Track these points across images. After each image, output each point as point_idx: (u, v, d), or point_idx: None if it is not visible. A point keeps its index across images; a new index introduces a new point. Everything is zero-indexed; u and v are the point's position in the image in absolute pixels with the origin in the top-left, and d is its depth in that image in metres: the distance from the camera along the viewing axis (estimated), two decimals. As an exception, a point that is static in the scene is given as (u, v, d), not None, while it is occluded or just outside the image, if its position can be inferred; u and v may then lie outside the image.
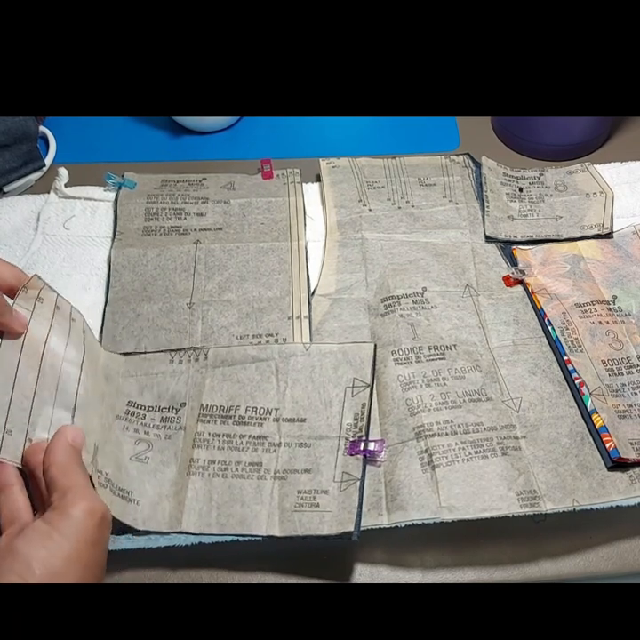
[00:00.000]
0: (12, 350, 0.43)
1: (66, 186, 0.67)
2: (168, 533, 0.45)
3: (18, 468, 0.40)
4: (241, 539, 0.46)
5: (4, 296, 0.43)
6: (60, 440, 0.40)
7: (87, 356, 0.46)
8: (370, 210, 0.65)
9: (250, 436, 0.50)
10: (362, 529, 0.45)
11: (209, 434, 0.49)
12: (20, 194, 0.69)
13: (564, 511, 0.46)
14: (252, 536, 0.45)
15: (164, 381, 0.52)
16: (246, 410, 0.51)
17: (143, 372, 0.52)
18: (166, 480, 0.47)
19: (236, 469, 0.48)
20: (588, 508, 0.46)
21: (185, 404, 0.51)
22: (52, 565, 0.32)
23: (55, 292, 0.47)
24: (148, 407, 0.51)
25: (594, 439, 0.50)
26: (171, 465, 0.48)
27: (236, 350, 0.54)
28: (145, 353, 0.54)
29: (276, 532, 0.45)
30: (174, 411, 0.50)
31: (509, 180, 0.68)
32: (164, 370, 0.52)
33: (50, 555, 0.33)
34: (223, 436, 0.49)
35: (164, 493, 0.47)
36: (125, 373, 0.52)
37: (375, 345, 0.54)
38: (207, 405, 0.51)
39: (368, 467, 0.48)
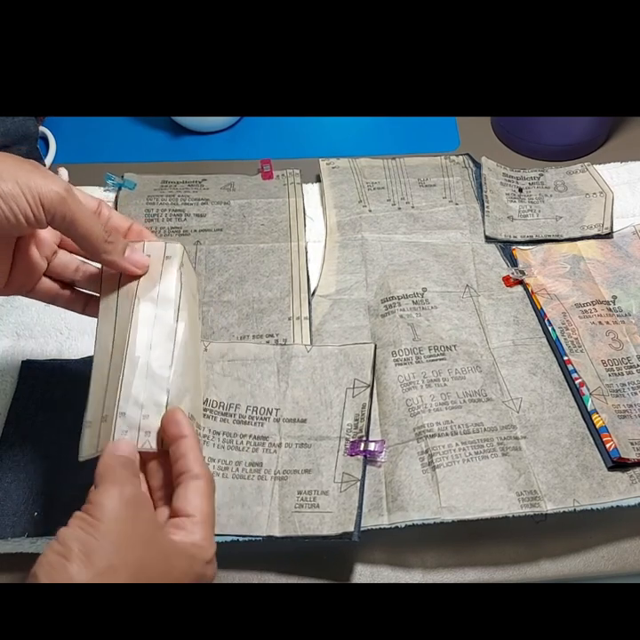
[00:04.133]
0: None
1: (66, 186, 0.66)
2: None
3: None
4: (241, 539, 0.46)
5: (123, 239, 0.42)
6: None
7: (184, 293, 0.43)
8: (370, 211, 0.65)
9: (250, 436, 0.49)
10: (362, 529, 0.45)
11: (209, 430, 0.49)
12: (20, 194, 0.69)
13: (564, 511, 0.46)
14: (252, 536, 0.45)
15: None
16: (247, 409, 0.51)
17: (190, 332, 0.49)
18: None
19: (237, 469, 0.48)
20: (589, 508, 0.46)
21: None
22: (86, 543, 0.32)
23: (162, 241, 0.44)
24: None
25: (594, 439, 0.50)
26: None
27: (237, 346, 0.53)
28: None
29: (276, 533, 0.45)
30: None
31: (509, 181, 0.68)
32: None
33: (84, 533, 0.33)
34: (223, 434, 0.49)
35: None
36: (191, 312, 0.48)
37: (375, 345, 0.54)
38: (207, 399, 0.51)
39: (368, 467, 0.48)
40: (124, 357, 0.40)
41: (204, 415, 0.50)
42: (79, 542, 0.32)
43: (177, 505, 0.36)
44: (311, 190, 0.68)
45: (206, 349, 0.53)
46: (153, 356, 0.41)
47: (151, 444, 0.39)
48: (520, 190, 0.67)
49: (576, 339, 0.55)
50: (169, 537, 0.35)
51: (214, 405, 0.51)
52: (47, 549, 0.32)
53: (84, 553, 0.32)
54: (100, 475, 0.36)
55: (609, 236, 0.63)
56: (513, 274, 0.60)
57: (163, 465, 0.39)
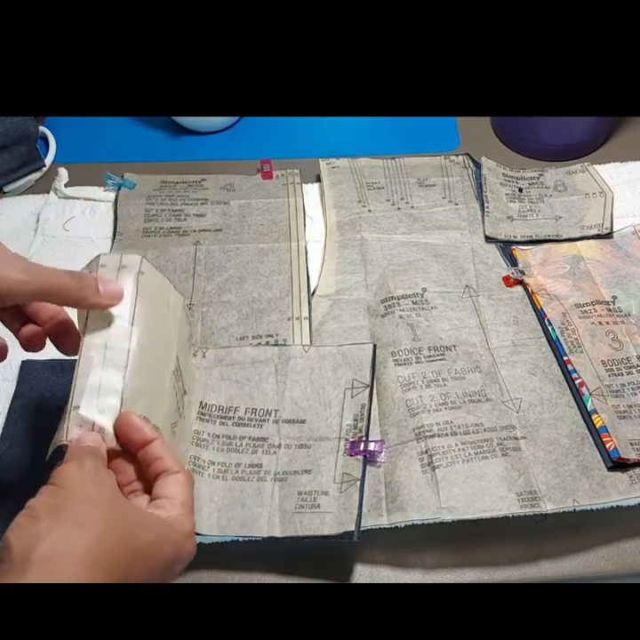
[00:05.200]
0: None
1: (66, 186, 0.67)
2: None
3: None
4: (241, 539, 0.46)
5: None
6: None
7: (142, 298, 0.44)
8: (369, 211, 0.65)
9: (249, 438, 0.49)
10: (362, 529, 0.45)
11: (208, 434, 0.49)
12: (20, 194, 0.69)
13: (564, 511, 0.46)
14: (252, 537, 0.45)
15: (187, 352, 0.51)
16: (246, 411, 0.51)
17: (184, 331, 0.50)
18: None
19: (236, 471, 0.48)
20: (588, 508, 0.46)
21: (186, 392, 0.51)
22: (53, 505, 0.34)
23: (119, 254, 0.45)
24: (181, 372, 0.48)
25: (594, 439, 0.50)
26: (180, 450, 0.47)
27: (235, 351, 0.54)
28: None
29: (277, 534, 0.45)
30: (183, 391, 0.49)
31: (509, 181, 0.68)
32: (186, 342, 0.51)
33: (50, 498, 0.34)
34: (223, 437, 0.49)
35: None
36: (180, 320, 0.49)
37: (374, 345, 0.54)
38: (206, 404, 0.51)
39: (368, 467, 0.48)
40: (80, 355, 0.41)
41: (204, 419, 0.50)
42: (45, 505, 0.33)
43: (156, 491, 0.38)
44: (311, 190, 0.68)
45: (205, 356, 0.53)
46: (108, 355, 0.41)
47: (105, 440, 0.39)
48: (520, 190, 0.67)
49: (576, 339, 0.55)
50: (144, 510, 0.36)
51: (213, 409, 0.51)
52: (17, 517, 0.33)
53: (52, 510, 0.33)
54: (65, 459, 0.37)
55: (609, 236, 0.63)
56: (513, 274, 0.60)
57: (128, 462, 0.40)
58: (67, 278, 0.40)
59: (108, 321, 0.42)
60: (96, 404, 0.39)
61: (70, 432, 0.38)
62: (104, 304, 0.42)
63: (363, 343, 0.55)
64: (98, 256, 0.44)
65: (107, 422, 0.39)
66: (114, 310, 0.42)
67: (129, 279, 0.44)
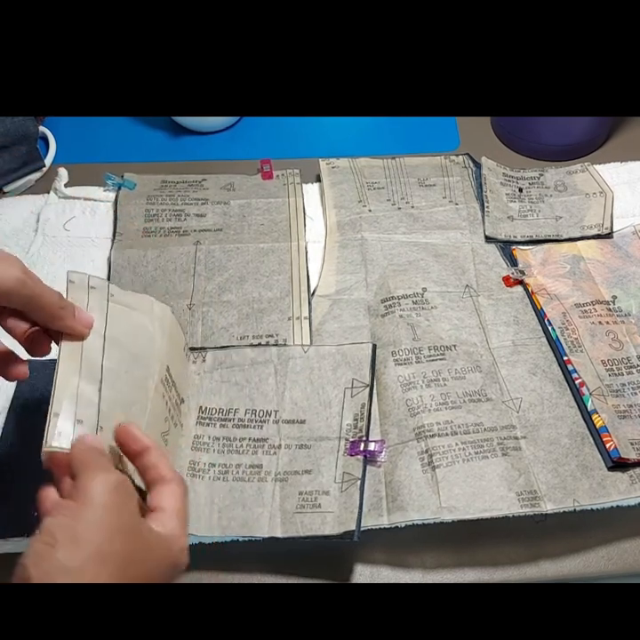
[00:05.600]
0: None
1: (66, 186, 0.67)
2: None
3: None
4: (241, 539, 0.46)
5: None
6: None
7: (112, 321, 0.45)
8: (370, 210, 0.65)
9: (250, 439, 0.49)
10: (362, 529, 0.45)
11: (208, 437, 0.49)
12: (20, 194, 0.69)
13: (564, 511, 0.46)
14: (253, 537, 0.45)
15: (181, 362, 0.51)
16: (246, 412, 0.51)
17: (175, 342, 0.50)
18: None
19: (237, 472, 0.48)
20: (589, 508, 0.46)
21: (184, 400, 0.51)
22: (73, 530, 0.32)
23: (86, 274, 0.46)
24: (173, 381, 0.49)
25: (594, 439, 0.50)
26: (177, 456, 0.48)
27: (234, 352, 0.54)
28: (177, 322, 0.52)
29: (278, 534, 0.45)
30: (180, 400, 0.50)
31: (509, 181, 0.68)
32: (181, 352, 0.52)
33: (70, 520, 0.33)
34: (223, 439, 0.49)
35: None
36: (170, 331, 0.50)
37: (374, 345, 0.54)
38: (206, 408, 0.51)
39: (368, 467, 0.48)
40: (57, 361, 0.41)
41: (203, 424, 0.50)
42: (66, 529, 0.32)
43: (151, 502, 0.37)
44: (311, 190, 0.68)
45: (205, 360, 0.53)
46: (85, 365, 0.42)
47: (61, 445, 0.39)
48: (520, 190, 0.67)
49: (576, 339, 0.55)
50: (150, 526, 0.36)
51: (213, 413, 0.51)
52: (33, 540, 0.32)
53: (71, 539, 0.32)
54: (79, 463, 0.36)
55: (609, 236, 0.63)
56: (513, 274, 0.60)
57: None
58: (54, 293, 0.42)
59: (79, 344, 0.43)
60: (74, 412, 0.39)
61: (52, 438, 0.38)
62: (77, 328, 0.43)
63: (362, 343, 0.55)
64: (68, 272, 0.46)
65: (83, 432, 0.39)
66: (86, 341, 0.44)
67: (100, 298, 0.46)
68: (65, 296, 0.44)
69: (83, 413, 0.40)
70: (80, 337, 0.44)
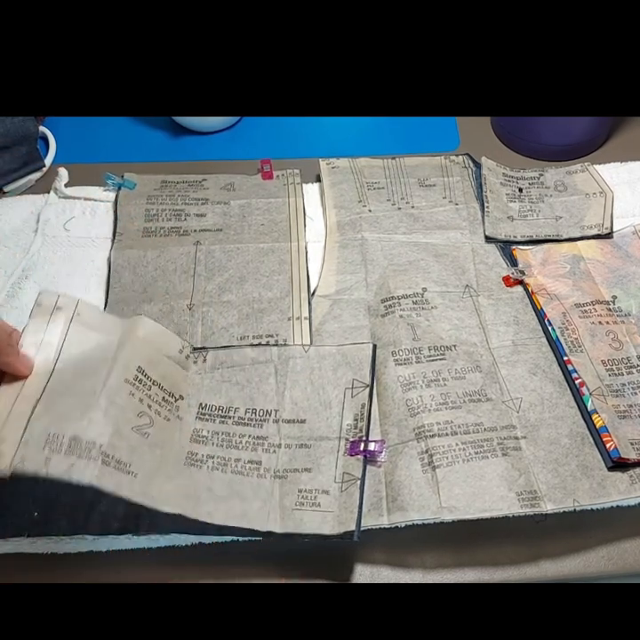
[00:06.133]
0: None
1: (66, 186, 0.67)
2: (168, 533, 0.45)
3: None
4: (241, 539, 0.46)
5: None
6: None
7: (68, 346, 0.48)
8: (370, 211, 0.65)
9: (249, 436, 0.50)
10: (362, 529, 0.45)
11: (208, 431, 0.49)
12: (20, 194, 0.69)
13: (564, 511, 0.46)
14: (251, 532, 0.45)
15: (169, 366, 0.52)
16: (246, 411, 0.51)
17: (157, 348, 0.52)
18: (163, 459, 0.47)
19: (236, 466, 0.48)
20: (589, 508, 0.46)
21: (183, 398, 0.51)
22: None
23: (56, 293, 0.50)
24: (154, 381, 0.50)
25: (594, 439, 0.49)
26: (166, 447, 0.48)
27: (234, 352, 0.54)
28: (160, 326, 0.54)
29: (277, 529, 0.45)
30: (173, 398, 0.50)
31: (509, 181, 0.68)
32: (172, 355, 0.52)
33: None
34: (222, 433, 0.49)
35: (162, 471, 0.47)
36: (145, 337, 0.51)
37: (374, 345, 0.54)
38: (206, 405, 0.51)
39: (368, 467, 0.48)
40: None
41: (203, 419, 0.50)
42: None
43: None
44: (311, 190, 0.68)
45: (205, 359, 0.53)
46: (23, 392, 0.46)
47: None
48: (520, 190, 0.67)
49: (576, 339, 0.55)
50: None
51: (213, 409, 0.51)
52: None
53: None
54: None
55: (609, 235, 0.63)
56: (513, 274, 0.60)
57: None
58: (5, 330, 0.45)
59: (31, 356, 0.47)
60: (4, 422, 0.44)
61: None
62: (17, 367, 0.46)
63: (362, 343, 0.55)
64: (39, 293, 0.49)
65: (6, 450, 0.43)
66: (39, 355, 0.48)
67: (60, 321, 0.49)
68: (30, 314, 0.48)
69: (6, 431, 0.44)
70: (21, 376, 0.47)
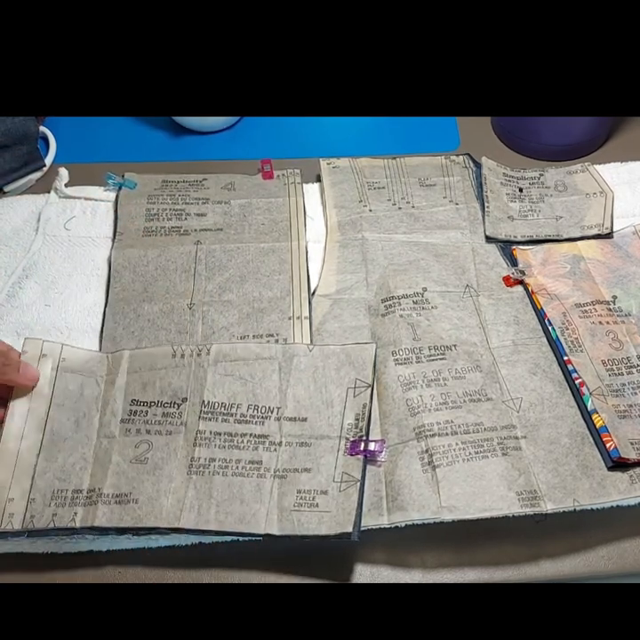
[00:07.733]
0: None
1: (66, 186, 0.67)
2: (168, 533, 0.45)
3: None
4: (241, 539, 0.46)
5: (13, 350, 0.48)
6: None
7: (58, 393, 0.51)
8: (370, 210, 0.65)
9: (251, 435, 0.50)
10: (362, 529, 0.45)
11: (210, 432, 0.49)
12: (20, 193, 0.69)
13: (564, 511, 0.46)
14: (250, 534, 0.45)
15: (166, 376, 0.52)
16: (248, 408, 0.51)
17: (148, 368, 0.52)
18: (164, 477, 0.47)
19: (237, 467, 0.48)
20: (589, 507, 0.46)
21: (186, 399, 0.51)
22: None
23: (40, 339, 0.52)
24: (151, 402, 0.51)
25: (594, 439, 0.49)
26: (169, 462, 0.48)
27: (239, 347, 0.54)
28: (146, 348, 0.54)
29: (275, 531, 0.45)
30: (176, 405, 0.50)
31: (509, 181, 0.68)
32: (167, 364, 0.52)
33: None
34: (224, 434, 0.49)
35: (162, 490, 0.47)
36: (130, 369, 0.52)
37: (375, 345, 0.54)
38: (209, 402, 0.51)
39: (368, 467, 0.48)
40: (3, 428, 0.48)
41: (205, 418, 0.50)
42: None
43: None
44: (311, 190, 0.68)
45: (209, 352, 0.53)
46: (23, 445, 0.48)
47: (13, 525, 0.45)
48: (520, 190, 0.67)
49: (576, 339, 0.55)
50: None
51: (216, 407, 0.51)
52: None
53: None
54: None
55: (609, 235, 0.63)
56: (513, 274, 0.60)
57: None
58: (1, 349, 0.46)
59: (26, 406, 0.50)
60: (11, 481, 0.47)
61: None
62: (20, 383, 0.48)
63: (365, 343, 0.55)
64: (24, 339, 0.52)
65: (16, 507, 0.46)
66: (33, 404, 0.50)
67: (48, 369, 0.51)
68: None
69: (13, 490, 0.47)
70: (25, 390, 0.49)
